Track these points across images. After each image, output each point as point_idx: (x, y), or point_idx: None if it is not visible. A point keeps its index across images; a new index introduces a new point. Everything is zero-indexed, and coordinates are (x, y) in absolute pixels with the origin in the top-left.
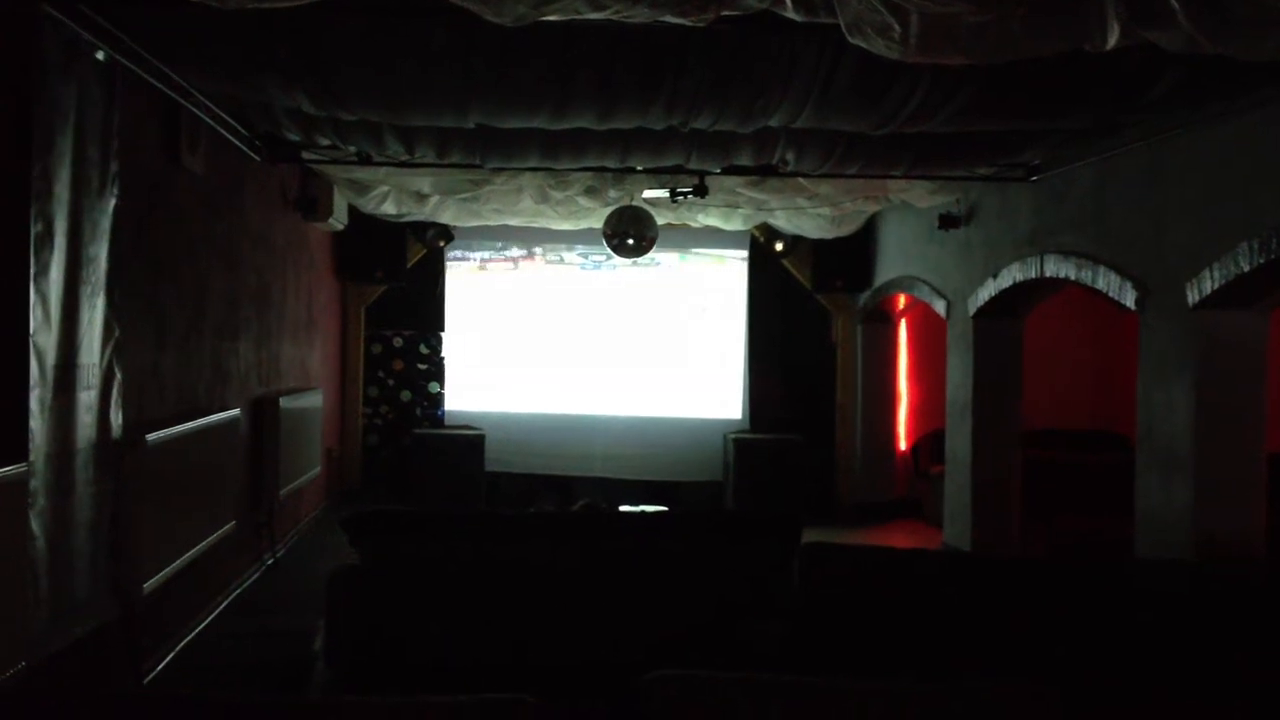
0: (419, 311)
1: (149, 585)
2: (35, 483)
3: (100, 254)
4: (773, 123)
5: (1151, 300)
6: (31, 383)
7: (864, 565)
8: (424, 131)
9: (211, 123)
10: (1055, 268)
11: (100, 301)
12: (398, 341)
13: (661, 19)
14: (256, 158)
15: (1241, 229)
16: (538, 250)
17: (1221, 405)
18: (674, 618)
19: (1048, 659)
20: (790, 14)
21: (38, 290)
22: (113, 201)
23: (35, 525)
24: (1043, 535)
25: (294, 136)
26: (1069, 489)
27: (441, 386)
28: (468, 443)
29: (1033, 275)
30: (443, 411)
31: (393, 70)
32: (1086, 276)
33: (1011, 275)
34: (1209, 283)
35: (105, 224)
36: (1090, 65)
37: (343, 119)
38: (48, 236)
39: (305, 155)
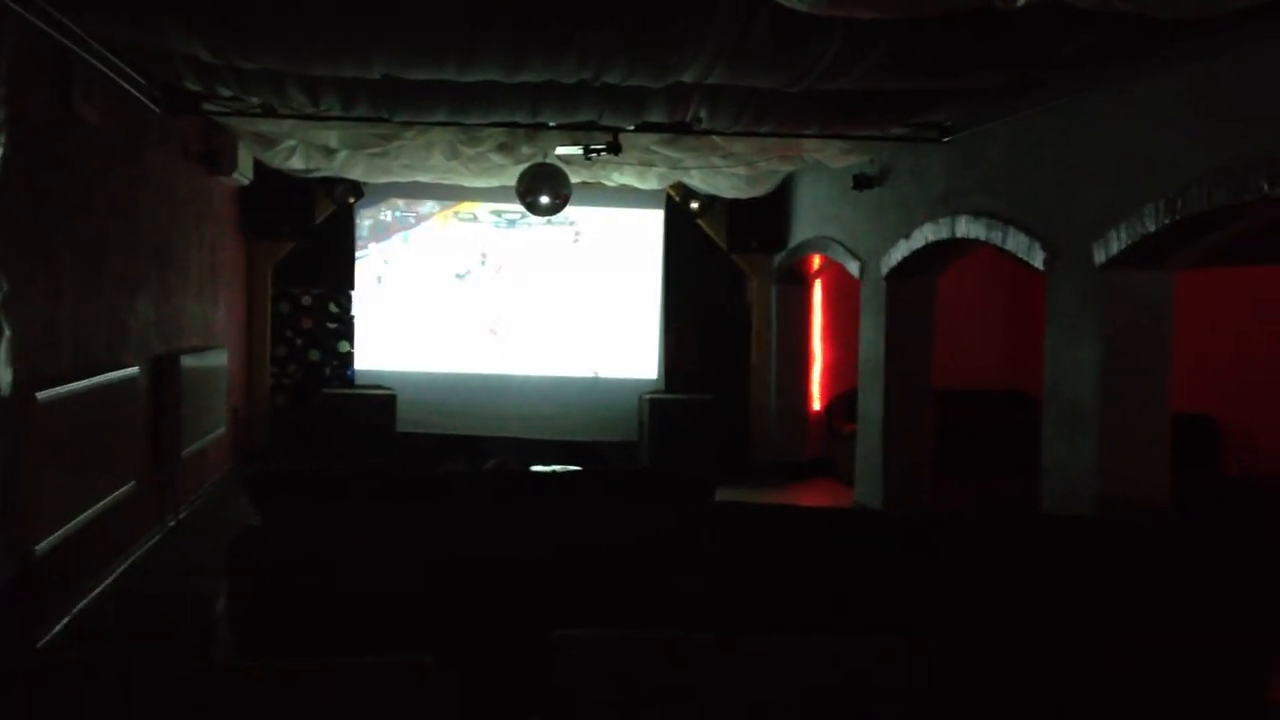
0: (328, 269)
1: (43, 546)
2: None
3: None
4: (686, 78)
5: (1060, 261)
6: None
7: (770, 523)
8: (329, 82)
9: (108, 71)
10: (966, 228)
11: None
12: (306, 300)
13: None
14: (156, 109)
15: (1148, 190)
16: (449, 205)
17: (1127, 363)
18: (585, 576)
19: (950, 613)
20: None
21: None
22: None
23: None
24: (954, 494)
25: (195, 87)
26: (980, 448)
27: (351, 345)
28: (379, 403)
29: (945, 236)
30: (353, 371)
31: (294, 13)
32: (997, 237)
33: (924, 236)
34: (1116, 243)
35: None
36: (1002, 22)
37: (243, 68)
38: None
39: (207, 107)
